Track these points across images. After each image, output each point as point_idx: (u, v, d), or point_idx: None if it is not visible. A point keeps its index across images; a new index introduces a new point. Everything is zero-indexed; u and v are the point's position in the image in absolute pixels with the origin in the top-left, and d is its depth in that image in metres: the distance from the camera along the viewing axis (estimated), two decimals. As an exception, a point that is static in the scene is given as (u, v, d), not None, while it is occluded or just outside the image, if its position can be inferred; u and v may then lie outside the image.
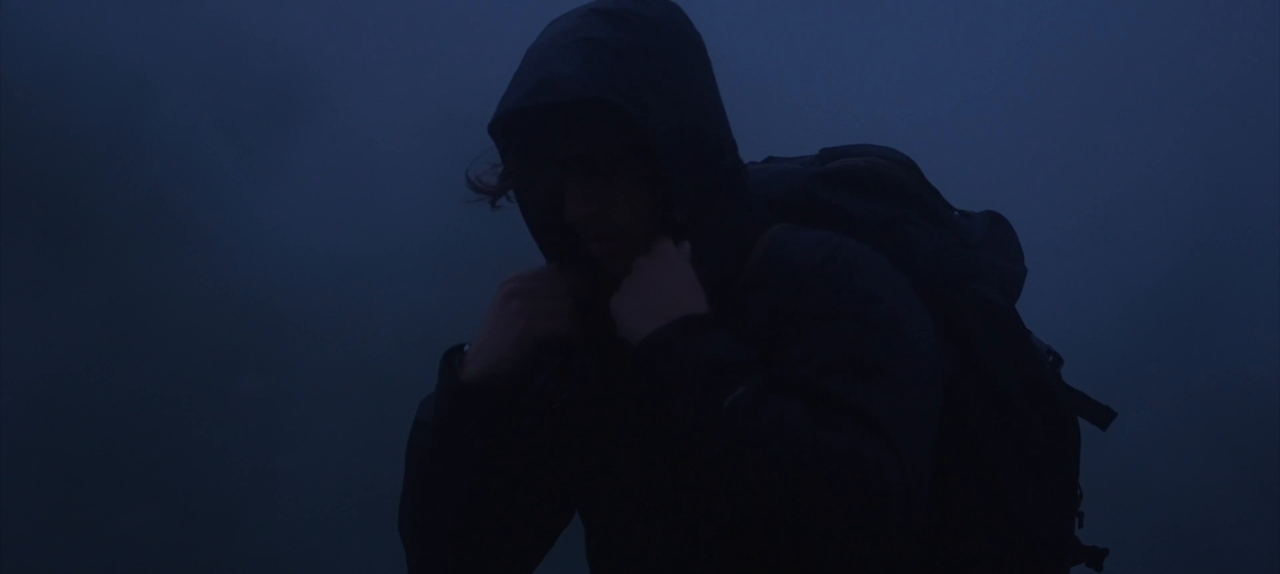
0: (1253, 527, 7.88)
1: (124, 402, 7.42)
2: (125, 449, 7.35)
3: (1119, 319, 7.93)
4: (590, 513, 2.40)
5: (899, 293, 2.23)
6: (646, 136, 2.18)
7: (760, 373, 2.16)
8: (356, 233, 7.86)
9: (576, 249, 2.32)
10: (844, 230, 2.35)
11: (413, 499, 2.34)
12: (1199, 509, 7.91)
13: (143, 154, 7.80)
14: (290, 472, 7.52)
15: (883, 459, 2.09)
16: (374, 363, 7.73)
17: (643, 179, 2.24)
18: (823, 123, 7.73)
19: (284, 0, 8.03)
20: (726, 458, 2.10)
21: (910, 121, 7.56)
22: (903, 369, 2.17)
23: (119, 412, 7.39)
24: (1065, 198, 8.03)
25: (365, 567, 7.23)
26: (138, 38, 7.84)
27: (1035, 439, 2.37)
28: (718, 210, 2.27)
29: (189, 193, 7.79)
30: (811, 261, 2.23)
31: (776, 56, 8.03)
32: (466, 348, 2.36)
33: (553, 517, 2.40)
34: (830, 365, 2.16)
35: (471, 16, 8.11)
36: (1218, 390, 8.13)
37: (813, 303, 2.21)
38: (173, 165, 7.80)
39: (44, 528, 6.99)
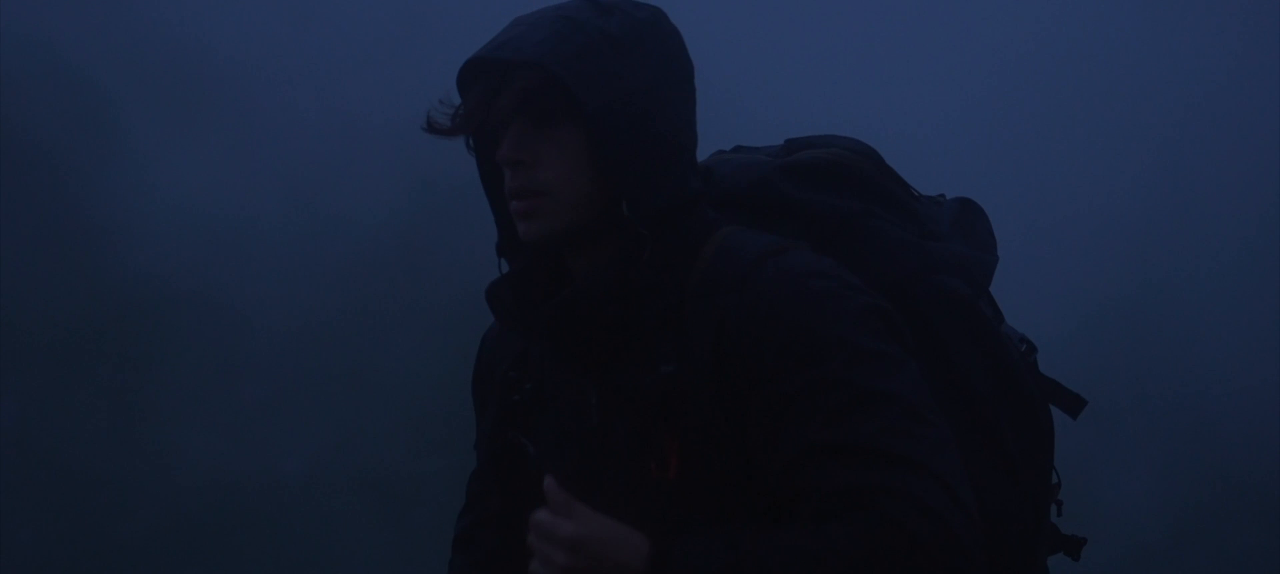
0: (1203, 545, 7.92)
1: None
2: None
3: (1073, 332, 7.96)
4: None
5: (844, 310, 2.22)
6: (587, 115, 2.23)
7: (746, 544, 2.15)
8: (260, 213, 7.80)
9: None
10: (804, 226, 2.37)
11: None
12: (1149, 526, 7.94)
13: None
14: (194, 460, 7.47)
15: (919, 508, 2.11)
16: (268, 349, 7.71)
17: (580, 151, 2.26)
18: (790, 127, 7.74)
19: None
20: None
21: (878, 126, 7.58)
22: (888, 383, 2.18)
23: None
24: (1027, 207, 8.05)
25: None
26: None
27: (1004, 428, 2.36)
28: (667, 215, 2.29)
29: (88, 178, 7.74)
30: (759, 277, 2.23)
31: (741, 63, 8.04)
32: None
33: None
34: (821, 417, 2.17)
35: (379, 21, 8.10)
36: (1171, 410, 8.18)
37: (767, 333, 2.21)
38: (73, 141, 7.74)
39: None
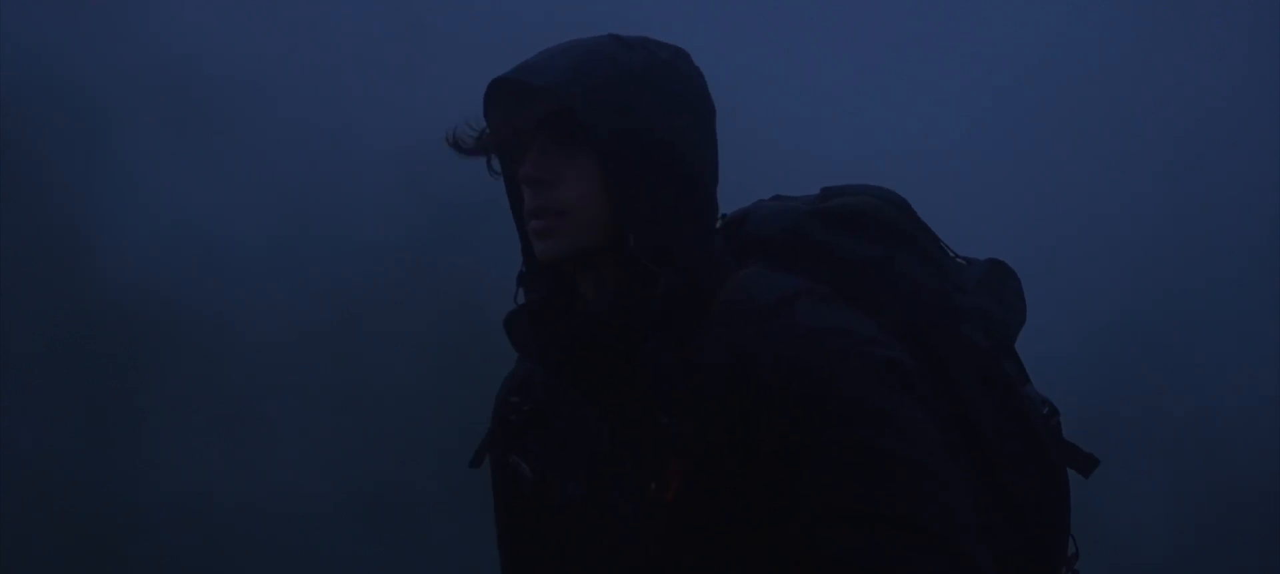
0: (1211, 565, 7.93)
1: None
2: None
3: (1081, 348, 7.98)
4: None
5: (862, 368, 2.25)
6: (598, 143, 2.28)
7: None
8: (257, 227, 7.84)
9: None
10: (830, 269, 2.39)
11: None
12: (1157, 545, 7.95)
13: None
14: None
15: None
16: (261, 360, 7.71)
17: (597, 176, 2.31)
18: (803, 150, 7.81)
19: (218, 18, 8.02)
20: None
21: (886, 145, 7.62)
22: (904, 445, 2.20)
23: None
24: (1033, 224, 8.09)
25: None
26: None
27: (1015, 483, 2.37)
28: (679, 249, 2.32)
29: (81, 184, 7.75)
30: (781, 321, 2.26)
31: (748, 80, 8.09)
32: None
33: None
34: (836, 480, 2.20)
35: (377, 39, 8.14)
36: (1180, 427, 8.20)
37: (785, 383, 2.23)
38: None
39: None
